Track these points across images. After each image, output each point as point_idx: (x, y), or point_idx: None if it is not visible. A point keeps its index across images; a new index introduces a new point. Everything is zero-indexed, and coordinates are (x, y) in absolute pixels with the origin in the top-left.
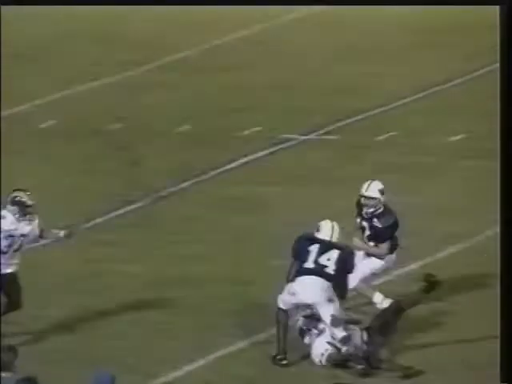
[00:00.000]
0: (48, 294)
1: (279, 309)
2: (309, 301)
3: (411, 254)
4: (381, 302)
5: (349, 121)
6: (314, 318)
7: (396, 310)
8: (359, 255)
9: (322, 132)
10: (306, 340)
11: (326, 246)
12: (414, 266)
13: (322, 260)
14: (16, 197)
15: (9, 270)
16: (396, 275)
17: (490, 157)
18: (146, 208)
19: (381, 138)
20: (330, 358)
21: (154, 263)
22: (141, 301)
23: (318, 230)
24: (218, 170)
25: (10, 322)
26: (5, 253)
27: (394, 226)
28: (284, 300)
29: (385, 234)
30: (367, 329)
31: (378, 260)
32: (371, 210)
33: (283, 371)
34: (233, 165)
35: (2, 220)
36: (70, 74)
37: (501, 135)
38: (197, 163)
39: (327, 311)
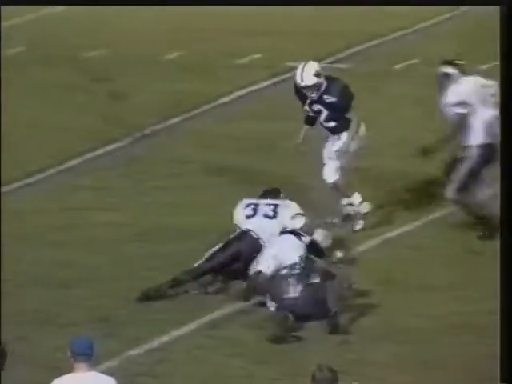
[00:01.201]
0: (20, 247)
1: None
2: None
3: None
4: (358, 204)
5: (362, 47)
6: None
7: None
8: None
9: (331, 60)
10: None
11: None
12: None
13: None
14: None
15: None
16: None
17: None
18: (128, 148)
19: (399, 66)
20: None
21: (137, 212)
22: (122, 254)
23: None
24: (212, 104)
25: None
26: None
27: (346, 91)
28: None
29: (342, 103)
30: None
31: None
32: (315, 94)
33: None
34: (229, 98)
35: None
36: None
37: (501, 137)
38: (187, 96)
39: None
